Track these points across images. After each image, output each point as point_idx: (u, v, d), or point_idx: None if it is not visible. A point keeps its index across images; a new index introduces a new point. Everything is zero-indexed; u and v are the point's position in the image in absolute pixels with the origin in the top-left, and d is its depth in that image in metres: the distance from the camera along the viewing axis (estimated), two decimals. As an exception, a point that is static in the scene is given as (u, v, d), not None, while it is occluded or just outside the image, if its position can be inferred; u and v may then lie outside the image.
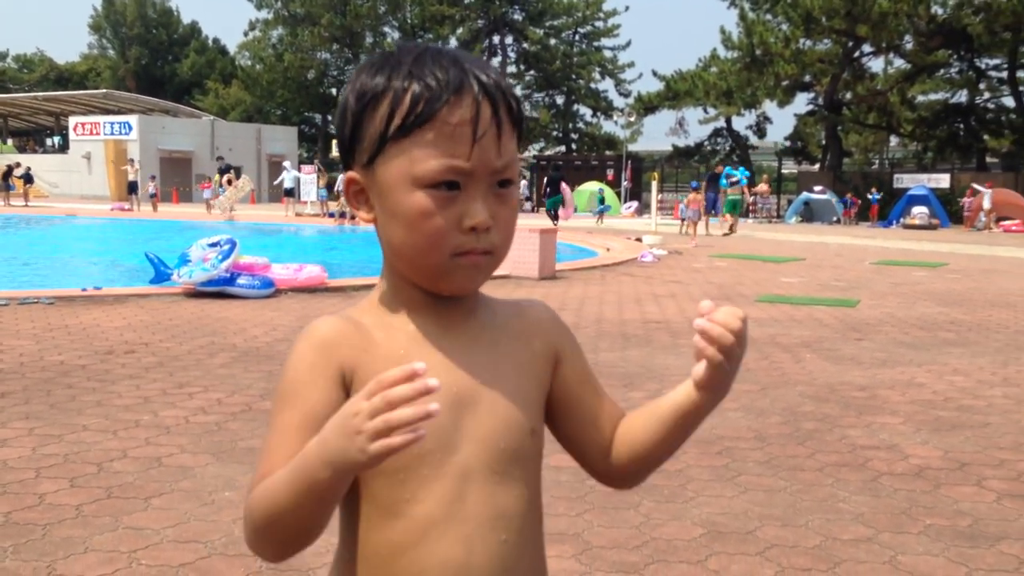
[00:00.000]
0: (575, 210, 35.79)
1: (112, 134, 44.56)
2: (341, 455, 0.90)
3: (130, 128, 44.41)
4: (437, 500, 1.06)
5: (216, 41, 72.69)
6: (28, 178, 36.08)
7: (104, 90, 53.34)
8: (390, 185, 1.05)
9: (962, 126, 44.08)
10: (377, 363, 1.05)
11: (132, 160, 36.62)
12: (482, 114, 1.03)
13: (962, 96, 44.33)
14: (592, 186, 41.57)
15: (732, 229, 24.36)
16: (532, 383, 1.16)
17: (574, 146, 60.93)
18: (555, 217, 25.03)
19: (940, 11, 39.41)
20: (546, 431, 1.19)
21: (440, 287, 1.09)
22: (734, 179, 25.04)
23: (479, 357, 1.11)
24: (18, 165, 37.81)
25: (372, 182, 1.08)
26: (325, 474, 0.92)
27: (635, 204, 38.19)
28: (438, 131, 1.02)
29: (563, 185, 26.45)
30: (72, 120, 47.34)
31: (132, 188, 33.82)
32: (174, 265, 10.30)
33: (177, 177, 43.85)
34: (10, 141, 55.74)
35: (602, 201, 32.78)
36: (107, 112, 49.04)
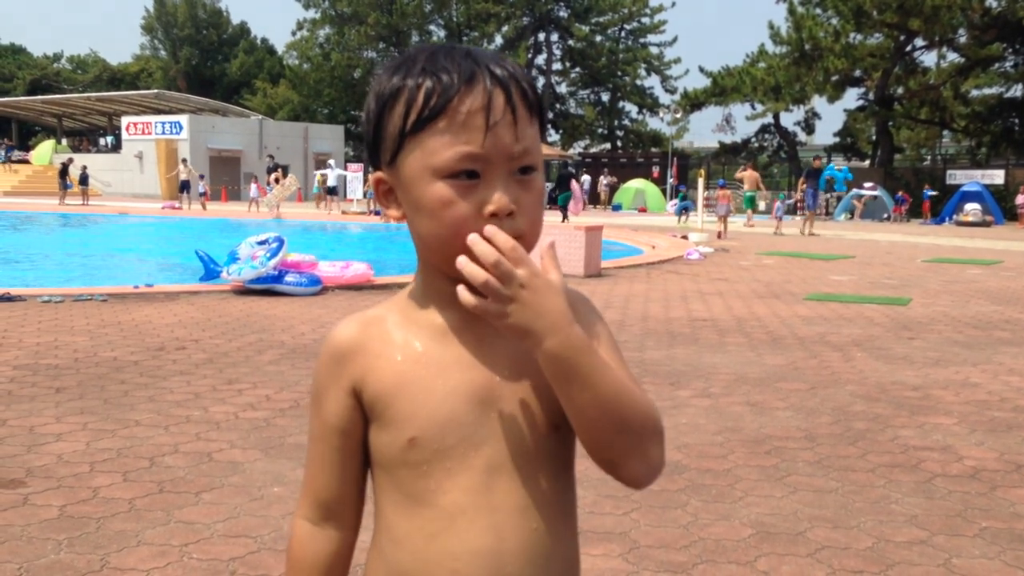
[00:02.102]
0: (617, 208, 35.58)
1: (163, 134, 45.31)
2: None
3: (180, 128, 45.10)
4: (463, 491, 1.07)
5: (264, 41, 73.60)
6: (84, 179, 36.65)
7: (155, 90, 54.18)
8: (412, 179, 1.07)
9: (1017, 121, 43.09)
10: (390, 365, 1.11)
11: (184, 160, 37.18)
12: (494, 101, 1.04)
13: (1017, 90, 43.32)
14: (636, 183, 41.44)
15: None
16: None
17: (619, 143, 60.66)
18: (565, 212, 25.16)
19: (994, 4, 38.58)
20: None
21: None
22: (811, 186, 24.64)
23: (503, 352, 1.10)
24: (71, 161, 38.44)
25: (397, 180, 1.10)
26: None
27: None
28: (451, 120, 1.04)
29: (572, 182, 27.07)
30: (124, 120, 48.19)
31: (184, 187, 34.36)
32: (223, 263, 10.42)
33: (226, 176, 44.45)
34: (64, 141, 56.90)
35: (684, 198, 31.82)
36: (158, 112, 49.84)
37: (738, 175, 28.34)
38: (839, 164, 38.51)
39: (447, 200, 1.04)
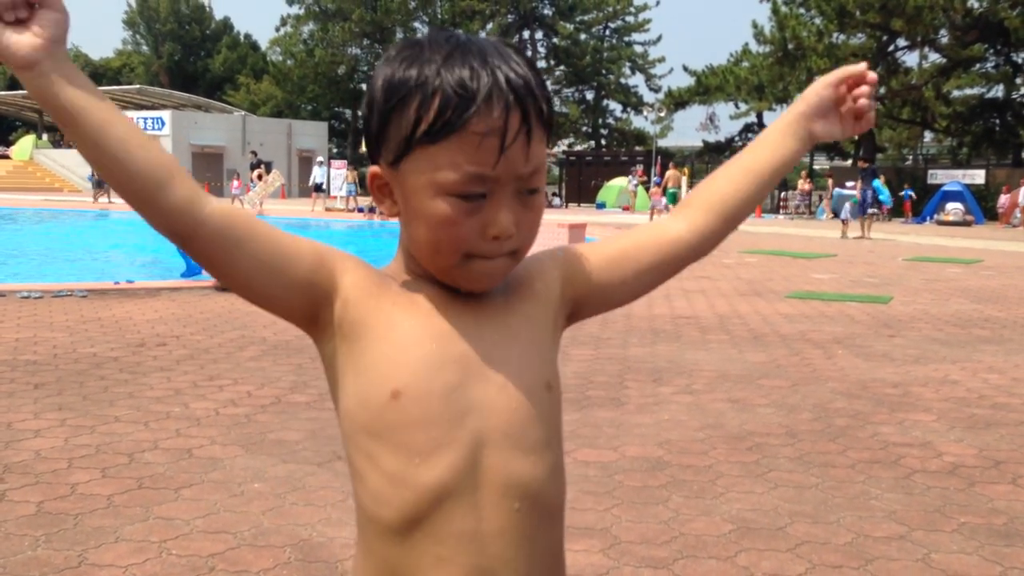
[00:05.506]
0: (601, 206, 35.56)
1: (145, 129, 44.70)
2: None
3: (163, 123, 44.85)
4: (447, 467, 1.04)
5: (248, 37, 73.16)
6: (101, 182, 35.72)
7: (138, 86, 53.87)
8: (415, 189, 1.04)
9: (998, 121, 43.41)
10: (383, 309, 1.08)
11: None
12: (511, 123, 1.00)
13: (998, 91, 43.63)
14: (620, 182, 41.50)
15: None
16: (544, 332, 1.14)
17: (603, 141, 60.72)
18: None
19: (976, 5, 38.82)
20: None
21: (457, 284, 1.09)
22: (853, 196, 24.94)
23: (489, 321, 1.10)
24: None
25: (396, 181, 1.07)
26: None
27: (664, 200, 37.92)
28: (466, 140, 1.00)
29: None
30: (106, 115, 47.77)
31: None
32: (205, 259, 10.37)
33: (209, 172, 44.20)
34: (45, 136, 56.41)
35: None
36: (140, 107, 49.51)
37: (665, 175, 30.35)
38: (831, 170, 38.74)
39: (450, 220, 1.03)
